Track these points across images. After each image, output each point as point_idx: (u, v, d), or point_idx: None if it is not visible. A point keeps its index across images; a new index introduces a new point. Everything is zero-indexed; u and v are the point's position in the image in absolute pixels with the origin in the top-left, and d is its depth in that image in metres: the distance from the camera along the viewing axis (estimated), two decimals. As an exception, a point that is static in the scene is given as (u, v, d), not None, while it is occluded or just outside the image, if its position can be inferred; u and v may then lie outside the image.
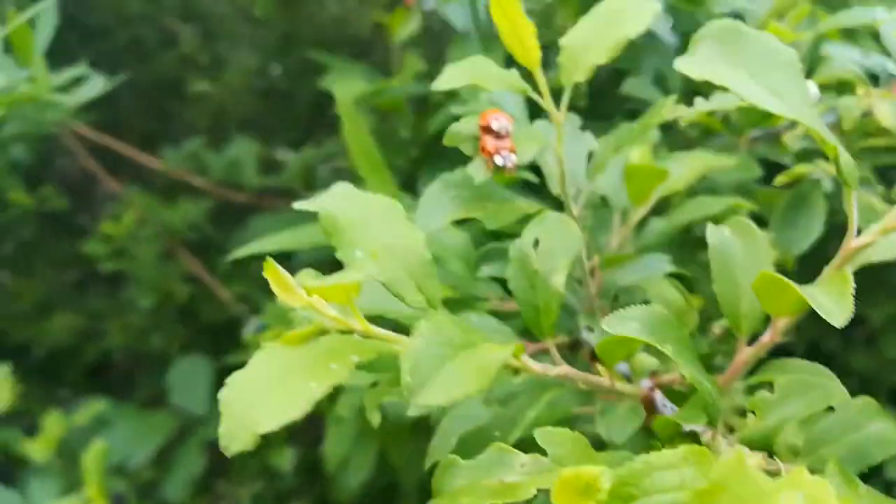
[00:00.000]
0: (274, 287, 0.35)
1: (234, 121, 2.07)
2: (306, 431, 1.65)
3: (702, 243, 0.67)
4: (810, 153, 0.68)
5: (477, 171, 0.43)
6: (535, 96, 0.45)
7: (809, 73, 0.68)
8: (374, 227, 0.39)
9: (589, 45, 0.44)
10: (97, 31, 1.93)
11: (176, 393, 1.35)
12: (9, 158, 1.11)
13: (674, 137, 0.78)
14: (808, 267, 0.43)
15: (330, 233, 0.38)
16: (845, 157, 0.35)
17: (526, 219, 0.43)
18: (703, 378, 0.34)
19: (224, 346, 1.89)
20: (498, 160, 0.43)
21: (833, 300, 0.31)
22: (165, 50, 2.05)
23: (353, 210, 0.40)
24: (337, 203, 0.40)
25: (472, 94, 0.73)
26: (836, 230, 0.50)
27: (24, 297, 2.19)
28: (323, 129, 2.35)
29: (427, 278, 0.38)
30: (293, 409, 0.30)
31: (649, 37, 0.91)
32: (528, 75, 0.46)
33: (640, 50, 0.83)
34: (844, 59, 0.64)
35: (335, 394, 1.00)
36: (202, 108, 2.04)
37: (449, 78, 0.46)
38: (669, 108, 0.44)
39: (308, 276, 0.40)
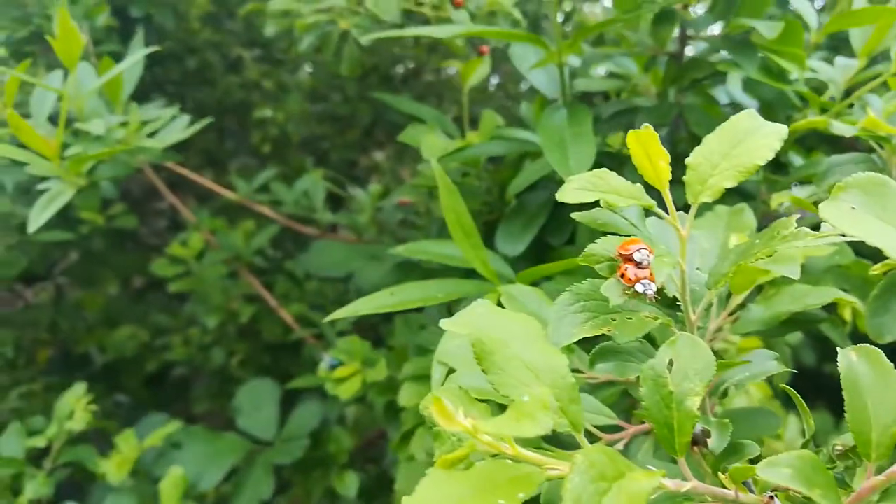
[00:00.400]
0: (438, 416, 0.37)
1: (294, 143, 2.12)
2: (367, 454, 1.69)
3: (790, 322, 0.68)
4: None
5: (613, 293, 0.45)
6: (659, 211, 0.47)
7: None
8: (518, 349, 0.42)
9: (717, 166, 0.46)
10: (168, 56, 1.99)
11: (243, 415, 1.39)
12: (99, 195, 1.17)
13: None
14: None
15: (480, 356, 0.41)
16: None
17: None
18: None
19: (284, 363, 1.95)
20: (639, 288, 0.45)
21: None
22: (230, 75, 2.11)
23: (497, 330, 0.42)
24: (482, 323, 0.43)
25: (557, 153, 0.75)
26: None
27: (89, 309, 2.28)
28: (374, 146, 2.39)
29: (571, 402, 0.41)
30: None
31: (733, 106, 0.93)
32: (649, 188, 0.48)
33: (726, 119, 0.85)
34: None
35: (409, 433, 1.03)
36: (264, 131, 2.10)
37: (575, 192, 0.48)
38: (791, 229, 0.45)
39: (454, 395, 0.43)
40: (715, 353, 0.62)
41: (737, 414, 0.67)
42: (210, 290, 1.72)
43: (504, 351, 0.41)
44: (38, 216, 1.00)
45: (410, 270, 1.17)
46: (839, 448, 0.45)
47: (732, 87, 1.00)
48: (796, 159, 0.95)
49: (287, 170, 2.12)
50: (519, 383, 0.40)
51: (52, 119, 1.12)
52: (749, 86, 0.97)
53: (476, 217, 1.09)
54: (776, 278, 0.63)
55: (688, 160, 0.48)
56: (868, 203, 0.38)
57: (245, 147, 2.26)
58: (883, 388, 0.41)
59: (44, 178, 1.05)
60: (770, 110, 0.91)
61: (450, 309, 0.93)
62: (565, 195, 0.49)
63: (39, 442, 1.40)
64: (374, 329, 1.76)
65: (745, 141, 0.47)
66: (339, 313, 0.77)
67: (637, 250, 0.46)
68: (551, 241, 0.99)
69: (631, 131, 0.44)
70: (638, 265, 0.46)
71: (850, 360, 0.43)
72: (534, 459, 0.38)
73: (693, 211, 0.47)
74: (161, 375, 2.37)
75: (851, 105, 0.88)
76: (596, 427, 0.58)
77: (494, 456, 0.39)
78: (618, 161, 0.92)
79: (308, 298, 1.82)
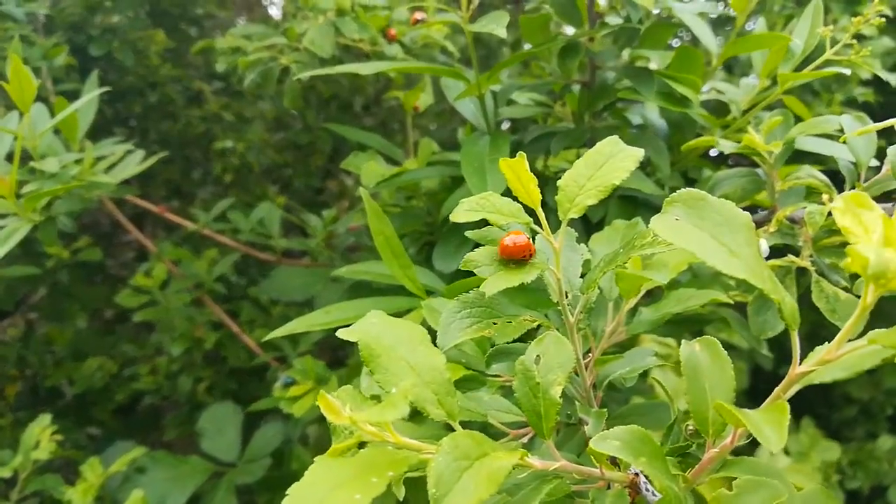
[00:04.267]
0: (325, 411, 0.43)
1: (255, 172, 2.18)
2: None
3: (693, 321, 0.75)
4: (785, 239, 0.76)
5: (491, 287, 0.51)
6: (536, 228, 0.54)
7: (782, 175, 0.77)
8: (403, 352, 0.48)
9: (582, 187, 0.53)
10: (130, 91, 2.04)
11: (207, 439, 1.43)
12: (56, 230, 1.21)
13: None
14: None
15: (367, 358, 0.47)
16: (788, 302, 0.43)
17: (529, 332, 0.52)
18: (671, 483, 0.42)
19: (249, 388, 1.99)
20: (508, 241, 0.53)
21: (771, 428, 0.39)
22: (191, 107, 2.17)
23: (386, 337, 0.48)
24: (372, 330, 0.49)
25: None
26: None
27: (57, 343, 2.30)
28: (340, 172, 2.45)
29: (447, 395, 0.47)
30: (345, 517, 0.39)
31: (641, 127, 1.00)
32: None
33: (633, 140, 0.92)
34: (809, 171, 0.72)
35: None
36: (226, 161, 2.15)
37: (465, 213, 0.54)
38: (649, 241, 0.52)
39: (348, 394, 0.49)
40: (614, 348, 0.69)
41: (636, 408, 0.73)
42: (175, 318, 1.76)
43: (390, 353, 0.48)
44: (-5, 251, 1.04)
45: (363, 291, 1.23)
46: (690, 428, 0.52)
47: (649, 110, 1.07)
48: (706, 173, 1.03)
49: (250, 198, 2.18)
50: (398, 380, 0.46)
51: (10, 158, 1.17)
52: (662, 108, 1.05)
53: (419, 237, 1.15)
54: (671, 283, 0.70)
55: (559, 182, 0.54)
56: (689, 215, 0.44)
57: (211, 177, 2.31)
58: (719, 372, 0.48)
59: (1, 216, 1.09)
60: (678, 130, 0.98)
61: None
62: (458, 216, 0.56)
63: (5, 472, 1.42)
64: (335, 351, 1.80)
65: (606, 164, 0.54)
66: (277, 332, 0.83)
67: (508, 236, 0.53)
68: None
69: (502, 159, 0.51)
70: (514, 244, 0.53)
71: (692, 350, 0.49)
72: (411, 445, 0.44)
73: (563, 226, 0.54)
74: (131, 405, 2.40)
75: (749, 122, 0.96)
76: (504, 424, 0.64)
77: (379, 444, 0.45)
78: (543, 181, 0.99)
79: (273, 324, 1.86)
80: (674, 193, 0.46)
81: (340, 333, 0.50)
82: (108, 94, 1.96)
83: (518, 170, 0.51)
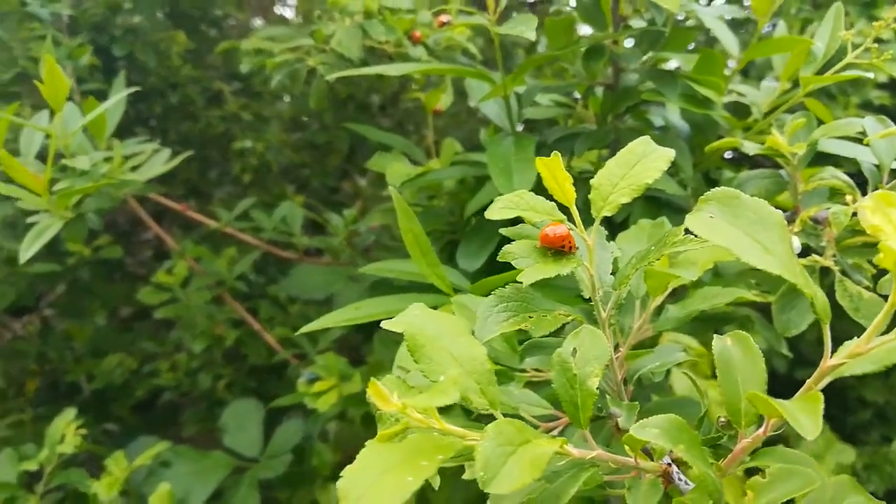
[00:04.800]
0: (375, 398, 0.45)
1: (274, 172, 2.21)
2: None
3: (716, 319, 0.77)
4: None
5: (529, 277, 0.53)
6: (570, 225, 0.56)
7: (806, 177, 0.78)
8: (446, 343, 0.49)
9: (615, 185, 0.55)
10: (151, 92, 2.07)
11: (229, 434, 1.45)
12: (86, 227, 1.24)
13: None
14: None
15: (413, 349, 0.49)
16: (820, 297, 0.45)
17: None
18: (708, 470, 0.44)
19: (268, 385, 2.01)
20: (549, 231, 0.54)
21: (806, 416, 0.40)
22: (211, 108, 2.20)
23: (429, 328, 0.50)
24: (416, 322, 0.51)
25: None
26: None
27: (77, 339, 2.33)
28: (356, 172, 2.48)
29: (489, 385, 0.48)
30: (397, 498, 0.40)
31: (664, 129, 1.02)
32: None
33: (657, 141, 0.94)
34: (833, 172, 0.73)
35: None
36: (244, 161, 2.17)
37: (499, 210, 0.56)
38: (681, 239, 0.53)
39: (393, 383, 0.51)
40: (639, 345, 0.71)
41: (663, 404, 0.75)
42: (195, 315, 1.78)
43: (433, 344, 0.49)
44: (27, 248, 1.07)
45: (385, 288, 1.25)
46: (722, 420, 0.53)
47: (670, 112, 1.09)
48: (726, 174, 1.04)
49: (268, 197, 2.20)
50: (443, 369, 0.48)
51: (40, 156, 1.20)
52: (683, 110, 1.06)
53: (441, 236, 1.17)
54: (696, 281, 0.72)
55: (592, 181, 0.56)
56: (723, 213, 0.46)
57: (229, 177, 2.34)
58: (751, 365, 0.50)
59: (32, 213, 1.12)
60: (700, 131, 1.00)
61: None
62: (493, 213, 0.58)
63: (31, 465, 1.45)
64: (356, 349, 1.82)
65: (638, 163, 0.56)
66: (309, 327, 0.85)
67: (549, 226, 0.55)
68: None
69: (539, 158, 0.53)
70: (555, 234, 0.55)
71: (725, 344, 0.51)
72: (456, 431, 0.46)
73: (597, 224, 0.56)
74: (149, 402, 2.43)
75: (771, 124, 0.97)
76: (535, 417, 0.66)
77: (425, 431, 0.47)
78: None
79: (292, 321, 1.89)
80: (707, 192, 0.47)
81: (385, 324, 0.52)
82: (129, 95, 1.99)
83: (554, 168, 0.53)
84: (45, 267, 1.98)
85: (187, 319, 1.86)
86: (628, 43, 0.98)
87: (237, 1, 2.30)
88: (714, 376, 0.51)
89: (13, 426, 2.04)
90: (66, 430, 1.51)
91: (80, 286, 2.28)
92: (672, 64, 1.11)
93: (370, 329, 1.41)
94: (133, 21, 2.05)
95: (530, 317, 0.54)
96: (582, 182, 0.65)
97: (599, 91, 1.01)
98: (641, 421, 0.44)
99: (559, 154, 0.54)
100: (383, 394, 0.45)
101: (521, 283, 0.55)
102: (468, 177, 1.03)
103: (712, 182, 1.02)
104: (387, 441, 0.47)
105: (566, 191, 0.54)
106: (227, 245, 1.93)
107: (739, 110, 1.07)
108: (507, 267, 1.10)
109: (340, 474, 0.44)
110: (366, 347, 1.84)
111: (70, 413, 1.53)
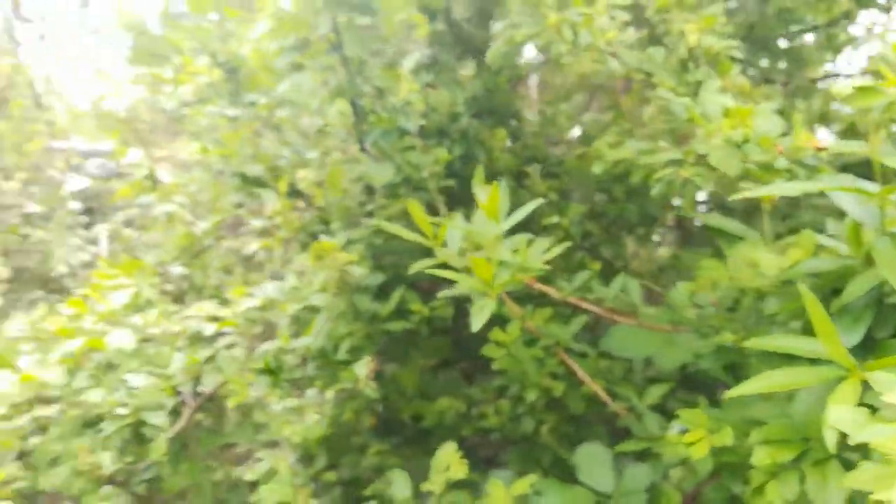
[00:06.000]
0: (885, 448, 0.68)
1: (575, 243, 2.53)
2: None
3: None
4: None
5: None
6: None
7: None
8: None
9: None
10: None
11: (583, 472, 1.75)
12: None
13: None
14: None
15: None
16: None
17: None
18: None
19: (581, 433, 2.30)
20: None
21: None
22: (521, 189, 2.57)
23: None
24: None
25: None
26: None
27: (404, 383, 2.81)
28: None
29: None
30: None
31: None
32: None
33: None
34: None
35: (760, 487, 1.31)
36: (550, 233, 2.51)
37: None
38: None
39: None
40: None
41: None
42: (528, 369, 2.13)
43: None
44: (476, 320, 1.45)
45: (773, 360, 1.48)
46: None
47: None
48: None
49: (570, 265, 2.54)
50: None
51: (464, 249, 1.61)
52: None
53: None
54: None
55: None
56: None
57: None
58: None
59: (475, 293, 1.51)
60: None
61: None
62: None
63: (429, 486, 1.86)
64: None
65: None
66: (737, 390, 1.10)
67: None
68: (875, 334, 1.26)
69: None
70: None
71: None
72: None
73: None
74: (461, 439, 2.83)
75: None
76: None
77: None
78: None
79: (609, 377, 2.17)
80: None
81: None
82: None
83: None
84: (399, 325, 2.47)
85: (517, 372, 2.22)
86: None
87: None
88: None
89: (378, 454, 2.52)
90: (451, 460, 1.90)
91: (411, 339, 2.76)
92: None
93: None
94: (463, 124, 2.52)
95: None
96: None
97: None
98: None
99: None
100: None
101: None
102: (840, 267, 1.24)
103: None
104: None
105: None
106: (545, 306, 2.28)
107: None
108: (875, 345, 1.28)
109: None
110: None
111: (451, 446, 1.92)
